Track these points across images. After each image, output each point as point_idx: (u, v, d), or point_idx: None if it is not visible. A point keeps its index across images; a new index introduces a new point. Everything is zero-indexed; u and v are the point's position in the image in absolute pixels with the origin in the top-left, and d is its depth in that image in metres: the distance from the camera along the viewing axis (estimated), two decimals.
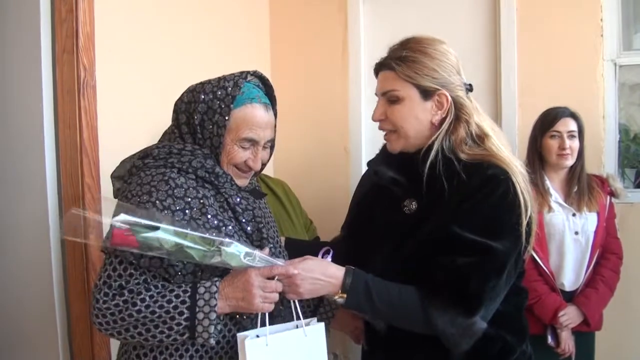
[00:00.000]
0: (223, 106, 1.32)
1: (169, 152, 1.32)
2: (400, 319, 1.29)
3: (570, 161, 2.20)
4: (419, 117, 1.34)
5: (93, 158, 1.91)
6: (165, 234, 1.14)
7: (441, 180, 1.29)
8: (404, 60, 1.33)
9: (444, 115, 1.34)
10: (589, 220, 2.19)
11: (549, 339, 2.17)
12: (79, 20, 1.85)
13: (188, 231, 1.17)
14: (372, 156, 1.60)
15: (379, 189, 1.46)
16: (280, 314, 1.34)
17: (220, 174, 1.34)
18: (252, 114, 1.34)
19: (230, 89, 1.33)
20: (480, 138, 1.34)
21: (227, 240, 1.19)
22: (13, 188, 2.00)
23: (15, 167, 1.99)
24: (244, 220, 1.36)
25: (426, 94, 1.33)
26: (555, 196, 2.21)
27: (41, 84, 1.89)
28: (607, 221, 2.24)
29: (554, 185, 2.23)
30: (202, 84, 1.38)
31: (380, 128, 1.42)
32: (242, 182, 1.40)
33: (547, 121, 2.22)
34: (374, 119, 1.42)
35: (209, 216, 1.29)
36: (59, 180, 1.93)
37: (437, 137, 1.32)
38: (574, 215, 2.19)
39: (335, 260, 1.33)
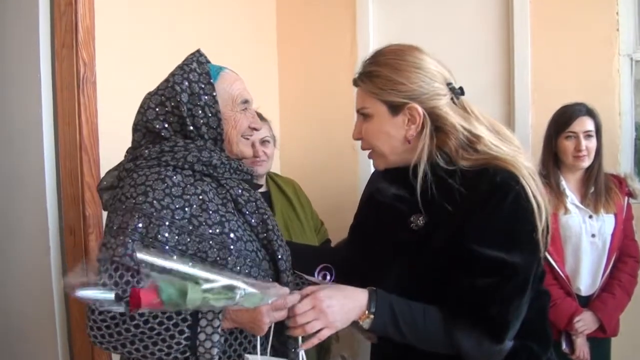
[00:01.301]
0: (204, 85, 1.30)
1: (161, 151, 1.27)
2: (424, 341, 1.22)
3: (587, 162, 2.13)
4: (390, 134, 1.27)
5: (93, 156, 1.91)
6: (192, 291, 1.03)
7: (446, 192, 1.22)
8: (369, 76, 1.28)
9: (418, 130, 1.26)
10: (606, 222, 2.13)
11: (564, 346, 2.12)
12: (78, 13, 1.84)
13: (207, 275, 1.05)
14: None
15: (381, 207, 1.39)
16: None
17: (218, 165, 1.29)
18: (231, 78, 1.36)
19: (198, 69, 1.32)
20: (473, 142, 1.25)
21: (244, 286, 1.08)
22: (12, 187, 2.00)
23: (13, 166, 1.98)
24: (247, 213, 1.32)
25: (394, 109, 1.25)
26: (572, 197, 2.15)
27: (40, 80, 1.88)
28: (625, 223, 2.17)
29: (569, 186, 2.17)
30: (157, 88, 1.35)
31: (362, 147, 1.36)
32: (250, 151, 1.41)
33: (562, 121, 2.15)
34: (353, 138, 1.35)
35: (210, 212, 1.24)
36: (59, 179, 1.92)
37: (421, 151, 1.24)
38: (590, 217, 2.13)
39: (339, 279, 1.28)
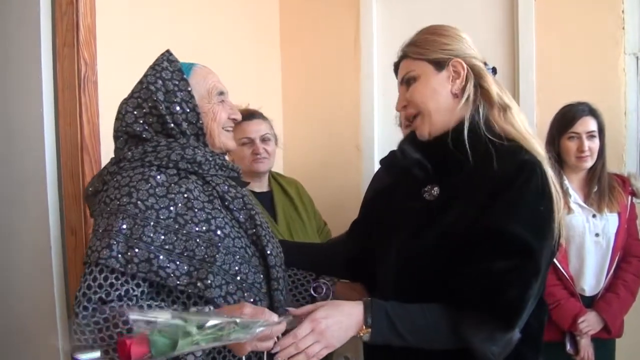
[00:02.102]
0: (177, 82, 1.31)
1: (144, 152, 1.27)
2: (430, 341, 1.20)
3: (589, 163, 2.12)
4: (437, 90, 1.30)
5: (94, 156, 1.90)
6: (182, 341, 1.01)
7: (473, 161, 1.22)
8: (413, 43, 1.35)
9: (463, 84, 1.30)
10: (609, 222, 2.12)
11: (568, 346, 2.10)
12: (79, 12, 1.84)
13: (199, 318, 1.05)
14: (385, 154, 1.55)
15: (402, 174, 1.40)
16: None
17: (203, 162, 1.29)
18: (204, 72, 1.37)
19: (170, 67, 1.33)
20: (505, 108, 1.29)
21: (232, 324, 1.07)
22: (13, 187, 2.00)
23: (15, 165, 1.98)
24: (234, 209, 1.32)
25: (439, 65, 1.31)
26: (575, 197, 2.14)
27: (41, 79, 1.87)
28: (629, 222, 2.16)
29: (573, 186, 2.16)
30: (132, 92, 1.35)
31: (406, 117, 1.41)
32: (233, 143, 1.42)
33: (565, 121, 2.14)
34: (397, 109, 1.41)
35: (196, 210, 1.24)
36: (60, 179, 1.91)
37: (464, 106, 1.28)
38: (594, 216, 2.12)
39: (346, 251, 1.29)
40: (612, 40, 2.38)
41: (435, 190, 1.29)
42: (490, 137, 1.24)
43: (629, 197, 2.17)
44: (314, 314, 1.15)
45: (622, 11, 2.36)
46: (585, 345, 2.09)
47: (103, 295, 1.13)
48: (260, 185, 2.21)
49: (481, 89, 1.30)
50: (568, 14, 2.44)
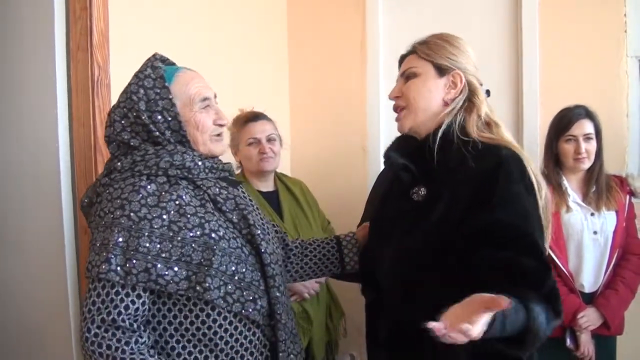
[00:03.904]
0: (159, 90, 1.31)
1: (133, 162, 1.29)
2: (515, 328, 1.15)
3: (587, 164, 2.16)
4: (432, 92, 1.40)
5: (107, 157, 1.89)
6: None
7: (452, 162, 1.31)
8: (426, 43, 1.44)
9: (456, 95, 1.39)
10: (607, 220, 2.15)
11: (568, 342, 2.14)
12: (93, 17, 1.84)
13: None
14: None
15: (393, 179, 1.49)
16: None
17: (192, 167, 1.31)
18: (189, 77, 1.36)
19: (152, 74, 1.32)
20: (490, 125, 1.38)
21: None
22: (27, 187, 2.00)
23: (29, 167, 1.98)
24: (227, 210, 1.33)
25: (441, 70, 1.40)
26: (573, 196, 2.18)
27: (55, 82, 1.88)
28: (627, 221, 2.19)
29: (571, 186, 2.20)
30: (118, 101, 1.36)
31: (395, 107, 1.47)
32: (221, 148, 1.41)
33: (562, 125, 2.18)
34: (390, 97, 1.48)
35: (189, 215, 1.26)
36: (73, 180, 1.92)
37: (448, 113, 1.37)
38: (592, 214, 2.15)
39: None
40: (614, 43, 2.41)
41: (422, 191, 1.36)
42: (472, 138, 1.32)
43: (627, 196, 2.21)
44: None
45: (625, 14, 2.39)
46: (585, 341, 2.12)
47: (105, 316, 1.18)
48: (267, 185, 2.26)
49: (469, 103, 1.38)
50: (571, 17, 2.46)
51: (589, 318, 2.11)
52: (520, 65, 2.54)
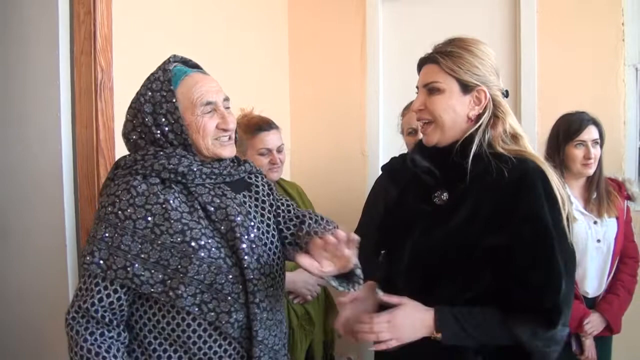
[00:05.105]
0: (164, 93, 1.31)
1: (134, 160, 1.32)
2: (489, 339, 1.30)
3: (592, 170, 2.16)
4: (456, 110, 1.37)
5: (109, 159, 1.93)
6: None
7: (476, 172, 1.32)
8: (449, 54, 1.38)
9: (480, 111, 1.38)
10: (609, 227, 2.16)
11: (574, 347, 2.16)
12: (96, 22, 1.87)
13: None
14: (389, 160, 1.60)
15: (413, 180, 1.50)
16: None
17: (187, 172, 1.30)
18: (194, 81, 1.34)
19: (161, 77, 1.33)
20: (515, 137, 1.38)
21: None
22: (29, 188, 2.02)
23: (32, 168, 2.01)
24: (216, 220, 1.31)
25: (466, 88, 1.37)
26: (576, 204, 2.18)
27: (59, 85, 1.91)
28: (625, 225, 2.21)
29: (573, 193, 2.20)
30: (132, 101, 1.38)
31: (418, 119, 1.46)
32: (230, 151, 1.39)
33: (572, 130, 2.17)
34: (413, 109, 1.45)
35: (172, 221, 1.26)
36: (76, 181, 1.95)
37: (476, 131, 1.36)
38: (595, 222, 2.16)
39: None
40: (612, 52, 2.42)
41: (445, 195, 1.38)
42: (498, 151, 1.33)
43: (625, 201, 2.22)
44: (396, 311, 1.31)
45: (622, 23, 2.40)
46: (590, 345, 2.14)
47: (81, 303, 1.24)
48: None
49: (495, 119, 1.37)
50: (569, 26, 2.48)
51: (593, 324, 2.13)
52: (519, 72, 2.56)
